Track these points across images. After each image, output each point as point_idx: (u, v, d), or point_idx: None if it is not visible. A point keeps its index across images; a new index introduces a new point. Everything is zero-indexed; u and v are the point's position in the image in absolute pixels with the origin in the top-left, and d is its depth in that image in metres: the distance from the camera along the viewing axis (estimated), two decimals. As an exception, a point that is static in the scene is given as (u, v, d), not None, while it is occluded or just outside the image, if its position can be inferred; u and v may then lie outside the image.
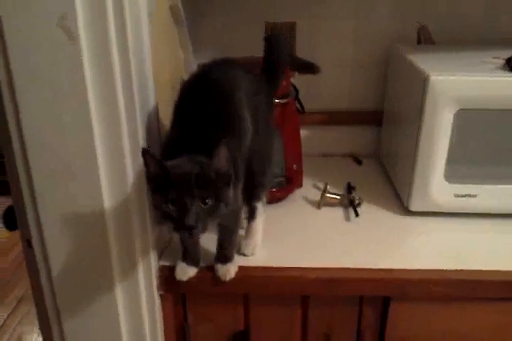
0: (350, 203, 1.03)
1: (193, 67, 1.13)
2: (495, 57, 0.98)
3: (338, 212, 1.02)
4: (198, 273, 0.83)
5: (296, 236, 0.93)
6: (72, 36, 0.61)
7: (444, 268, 0.84)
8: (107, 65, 0.64)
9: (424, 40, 1.20)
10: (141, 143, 0.72)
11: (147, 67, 0.76)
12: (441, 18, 1.19)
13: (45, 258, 0.74)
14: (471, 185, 0.95)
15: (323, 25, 1.21)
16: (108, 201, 0.70)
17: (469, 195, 0.95)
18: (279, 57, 0.91)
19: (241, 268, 0.82)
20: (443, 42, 1.20)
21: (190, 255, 0.82)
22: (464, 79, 0.88)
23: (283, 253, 0.87)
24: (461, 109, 0.89)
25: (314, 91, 1.24)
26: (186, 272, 0.81)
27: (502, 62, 0.94)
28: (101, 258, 0.73)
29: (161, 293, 0.84)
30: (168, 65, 0.97)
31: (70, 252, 0.73)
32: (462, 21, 1.19)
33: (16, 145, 0.67)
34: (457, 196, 0.96)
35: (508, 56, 0.93)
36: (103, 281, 0.75)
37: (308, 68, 0.95)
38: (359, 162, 1.25)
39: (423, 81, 0.89)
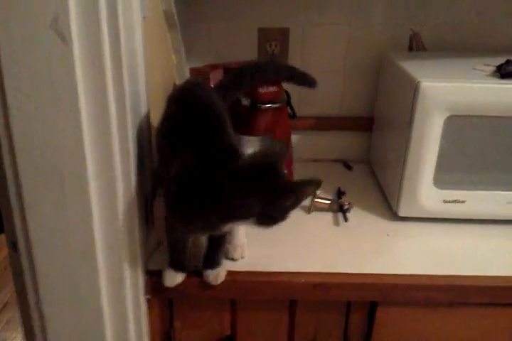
0: (339, 208, 1.03)
1: (186, 72, 1.14)
2: (486, 64, 0.99)
3: (328, 217, 1.02)
4: (185, 278, 0.82)
5: (285, 240, 0.93)
6: (64, 38, 0.61)
7: (432, 274, 0.84)
8: (99, 68, 0.64)
9: (416, 47, 1.21)
10: (131, 146, 0.72)
11: (140, 70, 0.76)
12: (433, 26, 1.20)
13: (31, 263, 0.73)
14: (459, 191, 0.96)
15: (316, 32, 1.21)
16: (96, 205, 0.70)
17: (458, 201, 0.96)
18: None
19: (229, 272, 0.82)
20: (435, 49, 1.21)
21: (178, 260, 0.81)
22: (455, 86, 0.89)
23: (271, 258, 0.87)
24: (452, 116, 0.90)
25: (306, 97, 1.24)
26: (174, 278, 0.81)
27: (493, 69, 0.95)
28: (87, 263, 0.73)
29: (148, 297, 0.84)
30: (160, 68, 0.97)
31: (55, 256, 0.72)
32: (454, 28, 1.20)
33: (4, 148, 0.67)
34: (446, 202, 0.96)
35: (499, 63, 0.93)
36: (89, 286, 0.74)
37: (306, 82, 0.94)
38: (349, 167, 1.26)
39: (414, 87, 0.90)
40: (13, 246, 0.73)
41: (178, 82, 1.09)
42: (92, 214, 0.70)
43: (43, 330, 0.78)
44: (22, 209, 0.69)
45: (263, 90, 0.96)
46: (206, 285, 0.81)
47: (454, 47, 1.21)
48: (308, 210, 1.03)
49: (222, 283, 0.81)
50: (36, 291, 0.75)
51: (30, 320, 0.78)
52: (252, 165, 0.68)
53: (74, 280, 0.74)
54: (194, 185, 0.66)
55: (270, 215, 0.68)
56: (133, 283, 0.79)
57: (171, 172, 0.70)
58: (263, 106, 0.97)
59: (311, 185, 0.71)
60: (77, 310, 0.76)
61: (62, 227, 0.71)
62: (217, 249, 0.81)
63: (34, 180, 0.68)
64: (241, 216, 0.67)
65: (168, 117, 0.77)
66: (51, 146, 0.66)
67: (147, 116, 0.82)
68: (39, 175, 0.68)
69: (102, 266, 0.74)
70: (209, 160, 0.68)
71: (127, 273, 0.77)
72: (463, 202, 0.96)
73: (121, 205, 0.72)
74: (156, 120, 0.85)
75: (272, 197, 0.66)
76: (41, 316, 0.77)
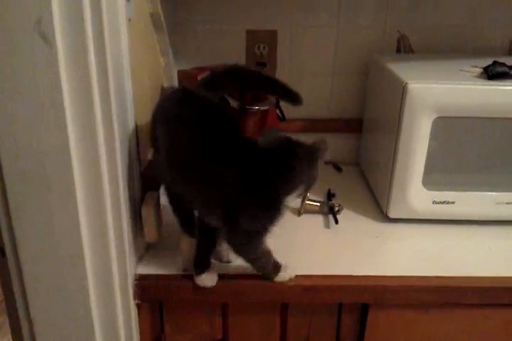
0: (330, 210, 1.03)
1: (173, 74, 1.13)
2: (473, 66, 0.99)
3: (318, 219, 1.02)
4: (176, 281, 0.82)
5: (275, 243, 0.91)
6: (48, 41, 0.60)
7: (423, 275, 0.84)
8: (84, 71, 0.63)
9: (404, 49, 1.22)
10: (118, 149, 0.72)
11: (125, 73, 0.76)
12: (421, 28, 1.20)
13: (18, 269, 0.72)
14: (448, 192, 0.96)
15: (304, 34, 1.21)
16: (83, 209, 0.69)
17: (447, 202, 0.96)
18: None
19: (219, 276, 0.82)
20: (422, 51, 1.22)
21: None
22: (442, 87, 0.89)
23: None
24: (439, 117, 0.90)
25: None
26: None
27: (480, 70, 0.95)
28: (75, 268, 0.72)
29: (138, 302, 0.83)
30: (147, 71, 0.97)
31: (43, 262, 0.71)
32: (441, 31, 1.21)
33: (-11, 152, 0.66)
34: (435, 203, 0.96)
35: (486, 65, 0.94)
36: (77, 291, 0.73)
37: (291, 98, 0.87)
38: (339, 169, 1.26)
39: (401, 89, 0.90)
40: (0, 251, 0.72)
41: (166, 84, 1.08)
42: (79, 219, 0.69)
43: (32, 336, 0.77)
44: (8, 214, 0.68)
45: (251, 92, 0.95)
46: (197, 289, 0.80)
47: (441, 49, 1.21)
48: (299, 212, 1.03)
49: (214, 286, 0.80)
50: (24, 297, 0.74)
51: (19, 326, 0.77)
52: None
53: (62, 286, 0.73)
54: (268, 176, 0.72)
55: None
56: (122, 288, 0.78)
57: (223, 174, 0.71)
58: (252, 108, 0.97)
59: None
60: (66, 315, 0.75)
61: (49, 232, 0.70)
62: (208, 252, 0.81)
63: (19, 184, 0.67)
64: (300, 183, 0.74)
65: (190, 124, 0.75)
66: (36, 151, 0.65)
67: (134, 119, 0.81)
68: (24, 179, 0.67)
69: (90, 271, 0.73)
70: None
71: (116, 277, 0.76)
72: (452, 203, 0.96)
73: (108, 210, 0.71)
74: (143, 122, 0.85)
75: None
76: (30, 322, 0.76)
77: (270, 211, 0.74)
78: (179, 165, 0.75)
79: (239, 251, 0.78)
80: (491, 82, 0.90)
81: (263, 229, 0.74)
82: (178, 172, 0.75)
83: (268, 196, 0.73)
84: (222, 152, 0.72)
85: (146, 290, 0.82)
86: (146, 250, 0.89)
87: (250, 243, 0.77)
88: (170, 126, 0.75)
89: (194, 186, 0.74)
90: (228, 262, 0.86)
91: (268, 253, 0.79)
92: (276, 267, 0.81)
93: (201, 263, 0.81)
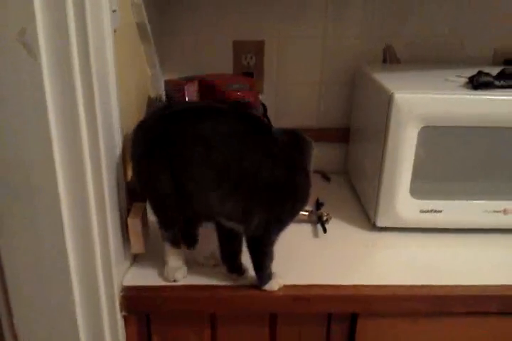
0: (318, 219, 1.02)
1: (161, 84, 1.13)
2: (458, 76, 1.00)
3: (307, 229, 1.02)
4: (163, 292, 0.81)
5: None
6: (32, 51, 0.60)
7: (412, 284, 0.83)
8: (68, 81, 0.63)
9: (390, 59, 1.23)
10: (104, 159, 0.71)
11: (111, 83, 0.75)
12: (407, 38, 1.21)
13: (3, 281, 0.71)
14: (436, 201, 0.96)
15: (291, 44, 1.22)
16: (68, 220, 0.68)
17: (434, 211, 0.96)
18: None
19: (207, 286, 0.81)
20: (408, 62, 1.23)
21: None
22: (428, 97, 0.90)
23: (249, 271, 0.86)
24: (425, 126, 0.91)
25: (283, 109, 1.25)
26: (280, 282, 0.82)
27: (465, 80, 0.96)
28: (60, 278, 0.71)
29: (124, 314, 0.82)
30: (134, 81, 0.97)
31: (27, 273, 0.70)
32: (427, 41, 1.22)
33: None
34: (423, 211, 0.96)
35: (471, 74, 0.95)
36: (63, 303, 0.72)
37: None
38: (327, 179, 1.26)
39: (387, 99, 0.90)
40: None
41: (153, 94, 1.08)
42: (64, 230, 0.68)
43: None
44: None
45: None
46: (184, 300, 0.80)
47: (427, 59, 1.23)
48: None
49: (201, 297, 0.80)
50: (8, 309, 0.73)
51: (2, 337, 0.76)
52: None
53: (47, 298, 0.72)
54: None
55: None
56: (108, 300, 0.77)
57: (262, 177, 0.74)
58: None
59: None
60: (52, 328, 0.74)
61: (33, 243, 0.69)
62: (236, 256, 0.85)
63: (4, 193, 0.66)
64: None
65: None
66: (20, 162, 0.65)
67: (120, 130, 0.81)
68: (9, 190, 0.66)
69: (75, 282, 0.72)
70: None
71: (102, 289, 0.75)
72: (439, 211, 0.96)
73: (94, 221, 0.71)
74: (130, 133, 0.85)
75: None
76: (14, 337, 0.75)
77: (299, 203, 0.79)
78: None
79: (255, 243, 0.79)
80: (476, 92, 0.91)
81: (287, 221, 0.79)
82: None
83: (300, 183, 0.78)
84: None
85: (133, 302, 0.81)
86: (132, 261, 0.88)
87: (271, 235, 0.78)
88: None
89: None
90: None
91: (272, 255, 0.80)
92: (269, 275, 0.81)
93: (239, 268, 0.83)
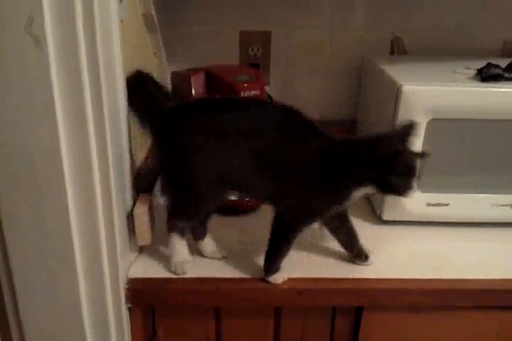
0: (324, 213, 1.02)
1: (167, 76, 1.12)
2: (467, 68, 0.99)
3: (312, 222, 1.02)
4: (168, 285, 0.81)
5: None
6: (39, 42, 0.60)
7: (417, 277, 0.83)
8: (75, 72, 0.62)
9: (398, 50, 1.22)
10: (110, 151, 0.71)
11: (118, 74, 0.75)
12: (415, 30, 1.20)
13: (8, 273, 0.71)
14: (442, 194, 0.96)
15: (298, 35, 1.21)
16: (74, 212, 0.68)
17: (441, 204, 0.96)
18: None
19: (212, 279, 0.81)
20: (416, 53, 1.21)
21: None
22: (436, 89, 0.89)
23: (255, 264, 0.86)
24: (434, 119, 0.90)
25: (288, 100, 1.23)
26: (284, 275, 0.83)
27: (474, 72, 0.95)
28: (66, 271, 0.71)
29: (129, 306, 0.82)
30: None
31: (33, 265, 0.70)
32: (435, 32, 1.21)
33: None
34: (429, 205, 0.96)
35: (480, 66, 0.94)
36: (69, 295, 0.72)
37: None
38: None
39: (396, 91, 0.89)
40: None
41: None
42: (70, 222, 0.68)
43: (22, 340, 0.76)
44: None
45: (245, 94, 0.95)
46: (189, 292, 0.80)
47: (435, 50, 1.21)
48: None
49: (206, 290, 0.80)
50: (15, 301, 0.73)
51: (8, 330, 0.76)
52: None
53: (53, 290, 0.72)
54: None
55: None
56: (114, 292, 0.77)
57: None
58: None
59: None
60: (57, 319, 0.74)
61: (40, 235, 0.69)
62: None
63: (10, 186, 0.66)
64: None
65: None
66: (27, 152, 0.64)
67: (127, 121, 0.81)
68: (15, 181, 0.66)
69: (81, 274, 0.72)
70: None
71: (108, 281, 0.75)
72: (446, 205, 0.96)
73: (100, 212, 0.70)
74: (136, 124, 0.84)
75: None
76: (20, 326, 0.75)
77: (332, 199, 0.79)
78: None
79: (280, 226, 0.80)
80: (485, 84, 0.90)
81: (316, 213, 0.80)
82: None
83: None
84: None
85: (138, 294, 0.81)
86: (138, 253, 0.88)
87: (298, 222, 0.80)
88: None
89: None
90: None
91: (288, 249, 0.81)
92: (277, 268, 0.81)
93: (360, 254, 0.86)
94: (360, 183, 0.77)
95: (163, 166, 0.83)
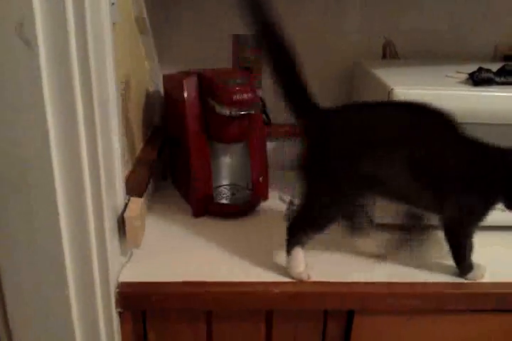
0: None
1: (159, 79, 1.12)
2: (458, 72, 1.00)
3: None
4: (159, 289, 0.81)
5: (261, 249, 0.91)
6: (30, 45, 0.59)
7: (409, 281, 0.83)
8: (66, 75, 0.62)
9: (390, 54, 1.22)
10: (101, 154, 0.70)
11: (109, 77, 0.74)
12: (406, 34, 1.21)
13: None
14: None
15: (290, 38, 1.21)
16: (64, 216, 0.68)
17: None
18: None
19: (203, 283, 0.81)
20: (408, 57, 1.22)
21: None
22: (428, 93, 0.89)
23: (247, 268, 0.86)
24: (425, 123, 0.90)
25: (281, 104, 1.24)
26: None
27: (465, 76, 0.96)
28: (56, 274, 0.70)
29: (120, 310, 0.81)
30: (132, 75, 0.96)
31: (22, 269, 0.70)
32: (427, 37, 1.21)
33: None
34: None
35: (471, 71, 0.94)
36: (58, 299, 0.72)
37: None
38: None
39: (387, 94, 0.90)
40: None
41: (151, 88, 1.07)
42: (60, 225, 0.68)
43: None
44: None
45: (237, 97, 0.95)
46: (180, 297, 0.79)
47: (427, 54, 1.22)
48: (285, 218, 1.02)
49: (197, 293, 0.80)
50: (3, 306, 0.73)
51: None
52: None
53: (42, 294, 0.72)
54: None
55: None
56: (104, 296, 0.77)
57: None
58: (238, 113, 0.96)
59: None
60: (47, 324, 0.74)
61: (29, 239, 0.69)
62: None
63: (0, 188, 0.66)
64: None
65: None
66: (17, 156, 0.64)
67: (118, 124, 0.80)
68: (4, 184, 0.65)
69: (71, 278, 0.72)
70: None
71: (98, 285, 0.74)
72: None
73: (90, 215, 0.70)
74: (128, 126, 0.84)
75: None
76: (8, 332, 0.74)
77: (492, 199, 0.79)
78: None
79: (451, 234, 0.82)
80: (477, 88, 0.91)
81: (480, 214, 0.80)
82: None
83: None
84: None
85: (129, 298, 0.81)
86: (129, 257, 0.88)
87: (465, 228, 0.81)
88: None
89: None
90: None
91: (471, 246, 0.82)
92: (470, 265, 0.83)
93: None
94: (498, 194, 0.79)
95: (310, 169, 0.82)
